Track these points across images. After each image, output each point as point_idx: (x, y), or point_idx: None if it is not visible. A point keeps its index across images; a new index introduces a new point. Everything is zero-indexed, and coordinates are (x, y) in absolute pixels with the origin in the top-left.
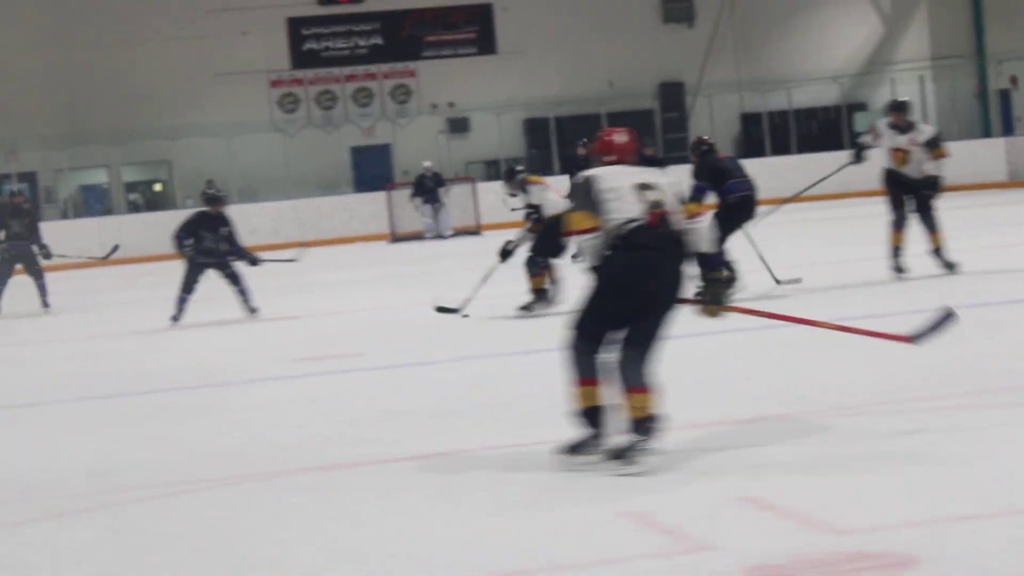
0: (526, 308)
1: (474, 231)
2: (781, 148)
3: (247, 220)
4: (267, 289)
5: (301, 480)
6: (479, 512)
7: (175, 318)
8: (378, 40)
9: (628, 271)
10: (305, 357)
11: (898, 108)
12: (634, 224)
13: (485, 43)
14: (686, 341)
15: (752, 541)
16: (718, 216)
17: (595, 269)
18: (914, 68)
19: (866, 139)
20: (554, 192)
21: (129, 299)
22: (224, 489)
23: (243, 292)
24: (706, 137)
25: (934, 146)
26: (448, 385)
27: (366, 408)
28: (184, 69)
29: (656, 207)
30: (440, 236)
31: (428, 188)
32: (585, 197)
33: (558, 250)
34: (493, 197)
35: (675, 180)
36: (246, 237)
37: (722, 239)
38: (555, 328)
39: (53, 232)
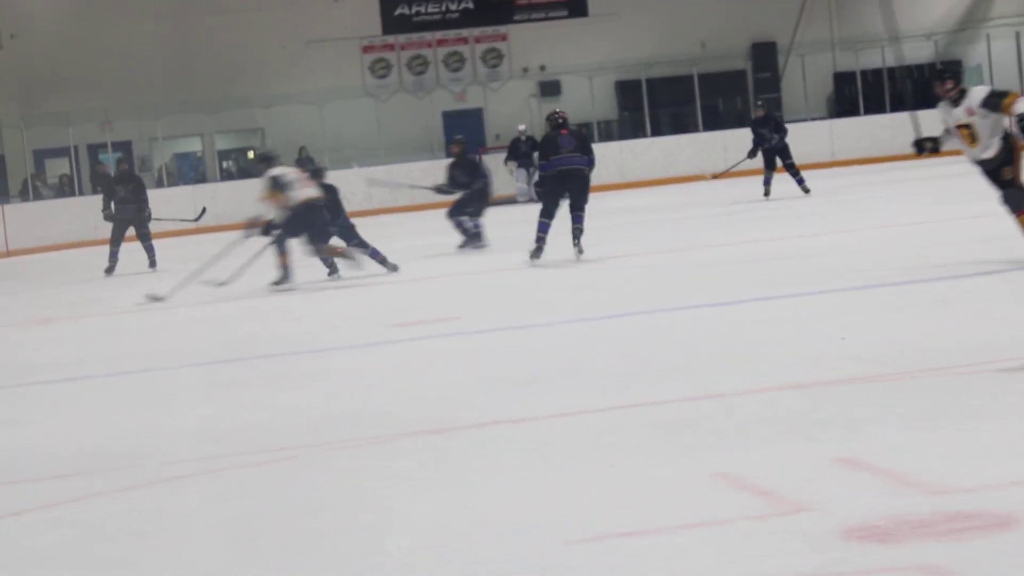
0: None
1: None
2: (875, 107)
3: (338, 186)
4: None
5: (405, 444)
6: (575, 475)
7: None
8: (469, 4)
9: None
10: (403, 322)
11: (937, 76)
12: None
13: (576, 5)
14: (780, 302)
15: (849, 502)
16: (537, 186)
17: None
18: (1010, 24)
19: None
20: None
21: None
22: (330, 453)
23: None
24: (559, 111)
25: (995, 104)
26: (545, 349)
27: (465, 372)
28: (277, 37)
29: None
30: (533, 199)
31: (522, 152)
32: None
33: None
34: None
35: None
36: None
37: (544, 209)
38: (651, 293)
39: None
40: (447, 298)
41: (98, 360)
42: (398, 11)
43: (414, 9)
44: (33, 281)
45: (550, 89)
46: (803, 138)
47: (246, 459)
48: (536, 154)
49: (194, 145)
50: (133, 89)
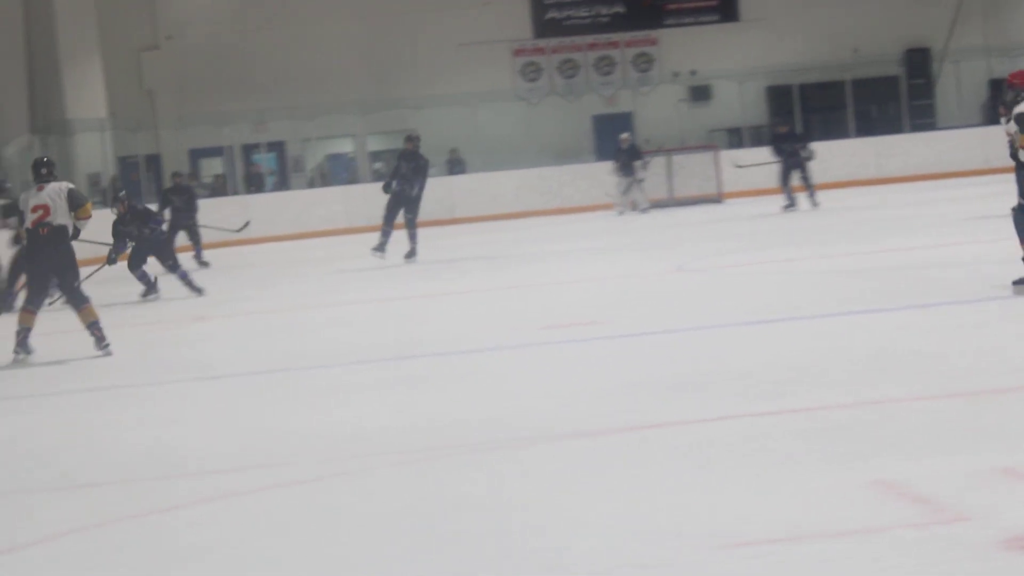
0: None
1: (715, 199)
2: None
3: (488, 188)
4: (508, 257)
5: (553, 448)
6: (727, 480)
7: None
8: (620, 8)
9: None
10: (548, 325)
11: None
12: None
13: (728, 10)
14: (935, 310)
15: (1010, 512)
16: None
17: None
18: None
19: None
20: None
21: (368, 266)
22: (478, 455)
23: None
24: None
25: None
26: (691, 354)
27: (611, 377)
28: (428, 40)
29: None
30: (634, 210)
31: (622, 161)
32: None
33: None
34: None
35: None
36: (487, 205)
37: None
38: (794, 299)
39: (299, 201)
40: (593, 301)
41: (250, 358)
42: (549, 15)
43: (565, 13)
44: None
45: (700, 94)
46: (955, 145)
47: (396, 459)
48: (638, 163)
49: (346, 146)
50: (287, 90)
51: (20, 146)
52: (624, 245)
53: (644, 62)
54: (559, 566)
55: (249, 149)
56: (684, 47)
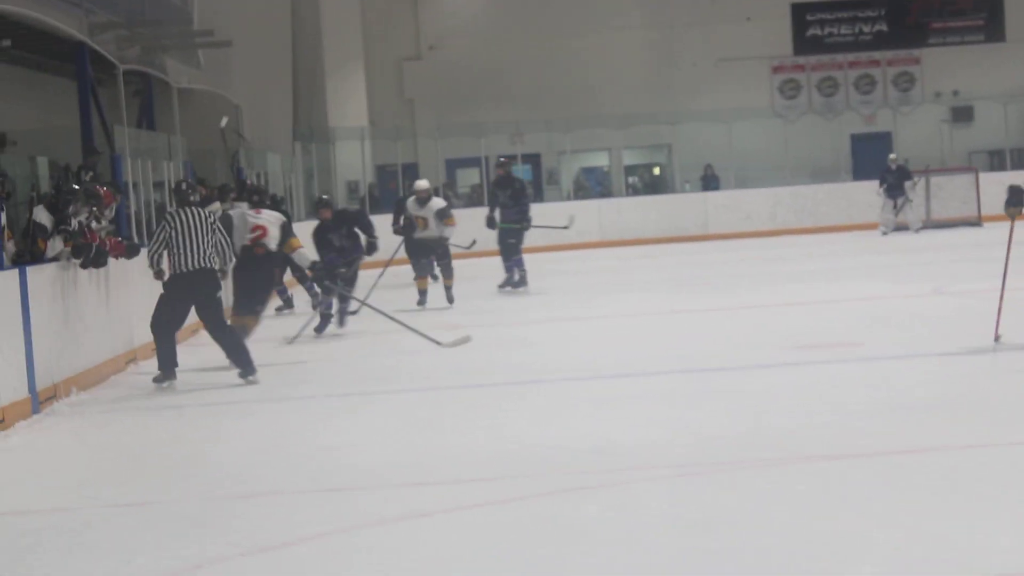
0: None
1: (974, 222)
2: None
3: (741, 205)
4: (767, 275)
5: (805, 468)
6: (987, 509)
7: None
8: (883, 26)
9: None
10: (804, 345)
11: None
12: None
13: (994, 29)
14: None
15: None
16: None
17: None
18: None
19: None
20: None
21: (621, 280)
22: (729, 474)
23: None
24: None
25: None
26: (944, 378)
27: (864, 398)
28: (688, 55)
29: None
30: (910, 229)
31: (890, 182)
32: None
33: None
34: (997, 188)
35: None
36: (741, 222)
37: None
38: None
39: (554, 212)
40: (850, 322)
41: (504, 368)
42: (810, 32)
43: (826, 30)
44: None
45: (962, 115)
46: None
47: (645, 473)
48: (908, 183)
49: (601, 160)
50: (544, 102)
51: (284, 153)
52: (882, 266)
53: (905, 81)
54: None
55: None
56: (947, 66)
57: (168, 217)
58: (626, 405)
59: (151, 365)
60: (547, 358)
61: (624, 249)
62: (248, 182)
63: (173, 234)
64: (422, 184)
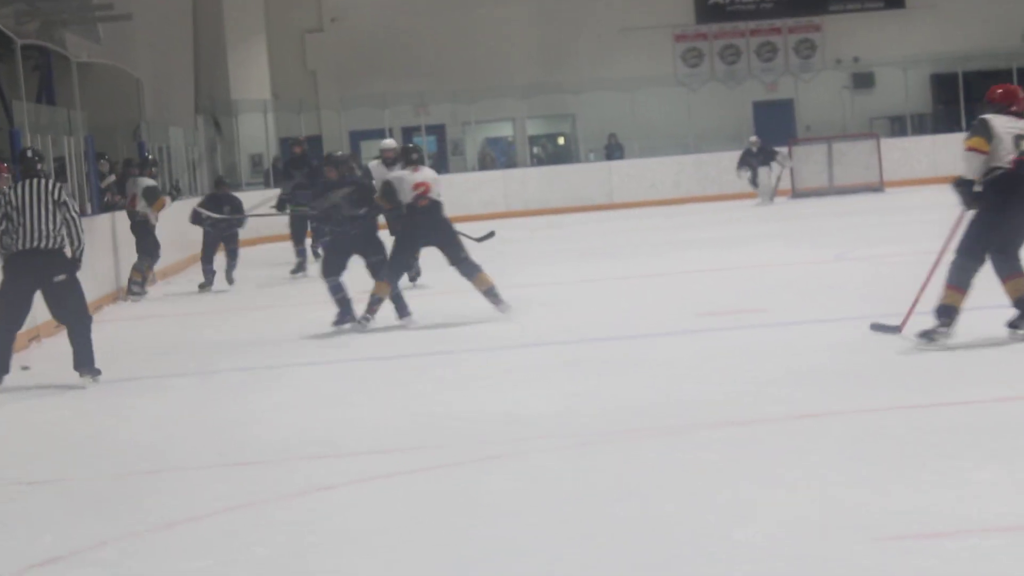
0: None
1: (877, 188)
2: None
3: (646, 174)
4: (671, 243)
5: (711, 436)
6: (888, 472)
7: None
8: None
9: None
10: (709, 312)
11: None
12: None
13: None
14: None
15: None
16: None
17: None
18: None
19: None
20: None
21: (531, 252)
22: (635, 442)
23: None
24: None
25: None
26: (847, 342)
27: (770, 365)
28: (590, 25)
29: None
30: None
31: (754, 165)
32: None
33: None
34: (898, 154)
35: None
36: (646, 191)
37: None
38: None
39: (459, 184)
40: (754, 289)
41: (410, 342)
42: (712, 0)
43: None
44: None
45: (863, 81)
46: None
47: (552, 443)
48: (774, 161)
49: (505, 130)
50: (447, 73)
51: (186, 127)
52: (783, 233)
53: (807, 48)
54: (719, 554)
55: (409, 132)
56: (847, 34)
57: (4, 192)
58: (532, 375)
59: (55, 342)
60: (453, 330)
61: (529, 219)
62: (150, 156)
63: (9, 209)
64: (389, 143)
